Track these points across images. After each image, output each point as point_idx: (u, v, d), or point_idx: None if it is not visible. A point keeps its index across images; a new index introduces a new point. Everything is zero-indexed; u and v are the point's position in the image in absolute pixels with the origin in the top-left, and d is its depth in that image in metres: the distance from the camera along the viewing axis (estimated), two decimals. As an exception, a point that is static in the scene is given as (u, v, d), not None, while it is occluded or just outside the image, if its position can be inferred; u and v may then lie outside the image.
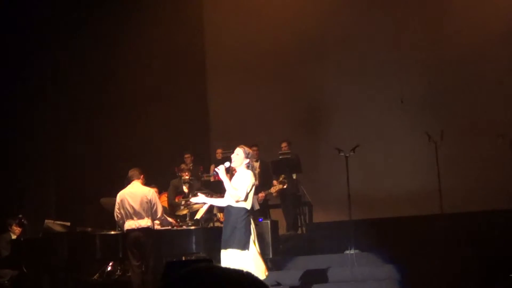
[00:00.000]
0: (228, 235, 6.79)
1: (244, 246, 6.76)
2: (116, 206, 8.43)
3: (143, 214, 8.32)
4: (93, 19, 11.89)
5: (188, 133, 12.54)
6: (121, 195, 8.43)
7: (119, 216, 8.42)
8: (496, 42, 11.93)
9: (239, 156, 6.94)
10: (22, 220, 9.52)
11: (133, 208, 8.31)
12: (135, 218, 8.32)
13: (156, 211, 8.40)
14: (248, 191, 6.85)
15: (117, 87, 12.06)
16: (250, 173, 6.94)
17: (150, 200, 8.36)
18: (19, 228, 9.49)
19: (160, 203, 8.71)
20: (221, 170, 6.86)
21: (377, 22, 12.89)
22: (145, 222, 8.32)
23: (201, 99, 14.02)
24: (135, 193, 8.40)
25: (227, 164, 6.95)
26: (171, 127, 12.19)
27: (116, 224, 9.01)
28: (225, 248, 6.79)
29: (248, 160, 6.96)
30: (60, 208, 11.07)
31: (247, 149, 7.06)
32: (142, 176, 8.59)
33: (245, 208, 6.86)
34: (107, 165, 11.40)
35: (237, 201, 6.84)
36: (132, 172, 8.55)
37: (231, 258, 6.68)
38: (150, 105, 12.33)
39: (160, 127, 12.04)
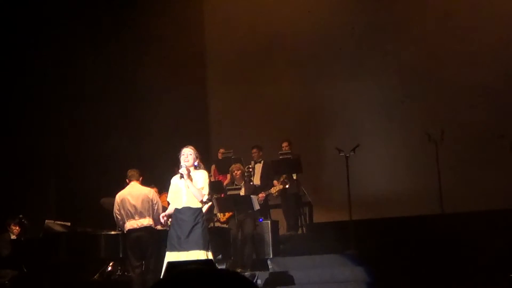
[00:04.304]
0: (188, 235, 6.87)
1: (209, 247, 6.97)
2: (116, 207, 8.43)
3: (145, 213, 8.32)
4: (92, 20, 11.88)
5: (188, 133, 12.53)
6: (121, 195, 8.43)
7: (119, 217, 8.42)
8: (497, 42, 11.92)
9: (192, 156, 7.08)
10: (22, 220, 9.51)
11: (134, 207, 8.31)
12: (136, 218, 8.31)
13: (157, 209, 8.40)
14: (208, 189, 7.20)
15: (117, 87, 12.06)
16: (206, 172, 7.26)
17: (151, 199, 8.37)
18: (18, 228, 9.48)
19: (161, 202, 8.71)
20: (185, 172, 6.94)
21: (377, 22, 12.89)
22: (147, 221, 8.33)
23: (201, 99, 14.02)
24: (136, 192, 8.40)
25: (183, 169, 7.01)
26: (171, 127, 12.19)
27: (116, 224, 9.01)
28: (188, 249, 6.85)
29: (197, 160, 7.16)
30: (60, 208, 11.07)
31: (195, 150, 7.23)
32: (141, 178, 8.60)
33: (201, 208, 7.09)
34: (107, 165, 11.39)
35: (202, 201, 7.04)
36: (132, 173, 8.56)
37: (195, 259, 6.74)
38: (150, 105, 12.33)
39: (160, 127, 12.04)
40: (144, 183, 8.74)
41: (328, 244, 9.65)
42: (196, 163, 7.18)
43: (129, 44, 12.21)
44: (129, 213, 8.32)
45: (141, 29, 12.43)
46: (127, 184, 8.56)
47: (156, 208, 8.40)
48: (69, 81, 11.54)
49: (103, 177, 11.12)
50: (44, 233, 9.17)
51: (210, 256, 6.98)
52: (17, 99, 11.04)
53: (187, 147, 7.21)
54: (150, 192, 8.47)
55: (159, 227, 8.94)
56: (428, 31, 12.53)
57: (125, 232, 8.45)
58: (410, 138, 11.97)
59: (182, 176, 7.00)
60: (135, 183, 8.49)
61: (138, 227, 8.30)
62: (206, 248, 6.94)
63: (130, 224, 8.34)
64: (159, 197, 9.21)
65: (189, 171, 7.06)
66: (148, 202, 8.35)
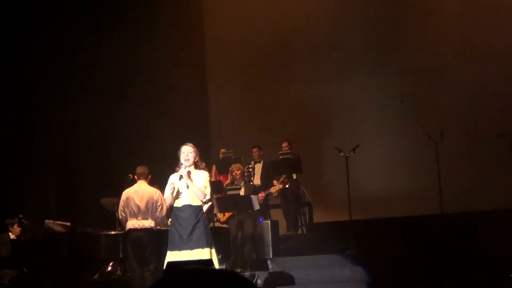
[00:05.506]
0: (190, 234, 6.87)
1: (212, 243, 6.97)
2: (121, 204, 8.36)
3: (148, 214, 8.28)
4: (91, 19, 11.88)
5: (188, 133, 12.53)
6: (127, 193, 8.38)
7: (123, 214, 8.36)
8: (496, 42, 11.92)
9: (192, 154, 7.05)
10: (22, 220, 9.52)
11: (138, 207, 8.26)
12: (139, 218, 8.27)
13: (161, 210, 8.34)
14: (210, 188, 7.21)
15: (117, 87, 12.06)
16: (207, 173, 7.21)
17: (156, 201, 8.31)
18: (18, 228, 9.49)
19: (165, 204, 8.67)
20: (185, 173, 6.94)
21: (378, 22, 12.88)
22: (149, 223, 8.29)
23: (201, 99, 14.02)
24: (142, 192, 8.34)
25: (183, 170, 7.01)
26: (171, 127, 12.19)
27: (116, 224, 9.00)
28: (192, 248, 6.84)
29: (197, 158, 7.12)
30: (60, 208, 11.07)
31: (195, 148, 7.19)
32: (149, 176, 8.54)
33: (201, 206, 7.08)
34: (107, 165, 11.40)
35: (203, 200, 7.04)
36: (141, 170, 8.46)
37: (199, 257, 6.73)
38: (150, 105, 12.33)
39: (160, 127, 12.04)
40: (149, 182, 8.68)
41: (328, 244, 9.65)
42: (196, 161, 7.13)
43: (128, 44, 12.20)
44: (132, 212, 8.28)
45: (141, 28, 12.42)
46: (135, 181, 8.52)
47: (160, 209, 8.34)
48: (69, 81, 11.54)
49: (103, 177, 11.13)
50: (44, 233, 9.17)
51: (214, 253, 6.96)
52: (17, 98, 11.05)
53: (186, 145, 7.11)
54: (156, 193, 8.36)
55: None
56: (429, 31, 12.52)
57: (126, 230, 8.42)
58: (410, 138, 11.96)
59: (181, 177, 6.95)
60: (143, 182, 8.43)
61: (139, 228, 8.28)
62: (209, 246, 6.91)
63: (131, 224, 8.30)
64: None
65: (189, 173, 7.01)
66: (153, 204, 8.30)
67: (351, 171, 9.80)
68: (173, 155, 7.29)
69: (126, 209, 8.32)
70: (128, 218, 8.32)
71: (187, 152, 7.02)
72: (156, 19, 12.62)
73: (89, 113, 11.64)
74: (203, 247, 6.86)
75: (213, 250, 6.96)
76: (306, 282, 8.74)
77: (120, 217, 8.48)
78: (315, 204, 11.61)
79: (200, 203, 7.03)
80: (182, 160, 7.00)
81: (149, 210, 8.29)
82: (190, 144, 7.13)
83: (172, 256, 6.89)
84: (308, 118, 13.13)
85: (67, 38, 11.50)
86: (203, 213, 7.10)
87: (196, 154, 7.10)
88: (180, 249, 6.87)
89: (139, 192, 8.35)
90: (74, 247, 8.85)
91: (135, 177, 8.51)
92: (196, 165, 7.11)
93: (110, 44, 11.92)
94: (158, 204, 8.30)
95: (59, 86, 11.40)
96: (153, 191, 8.39)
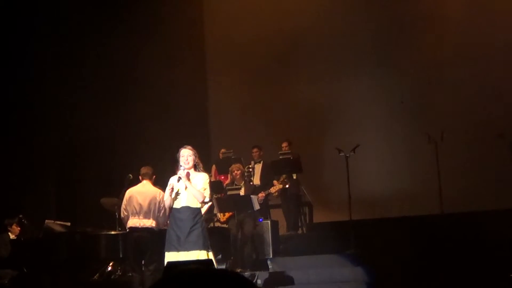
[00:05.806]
0: (188, 235, 6.88)
1: (209, 246, 6.99)
2: (123, 203, 8.35)
3: (149, 214, 8.27)
4: (91, 19, 11.88)
5: (188, 133, 12.54)
6: (130, 192, 8.38)
7: (125, 213, 8.36)
8: (497, 42, 11.92)
9: (192, 158, 7.07)
10: (22, 220, 9.52)
11: (140, 206, 8.26)
12: (141, 217, 8.26)
13: (164, 212, 8.32)
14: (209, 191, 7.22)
15: (117, 87, 12.06)
16: (207, 175, 7.24)
17: (159, 202, 8.31)
18: (18, 228, 9.49)
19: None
20: (184, 175, 6.94)
21: (377, 21, 12.89)
22: (150, 223, 8.28)
23: (201, 99, 14.02)
24: (146, 192, 8.34)
25: (181, 172, 7.01)
26: (171, 127, 12.19)
27: (116, 224, 8.99)
28: (188, 249, 6.84)
29: (196, 160, 7.13)
30: (60, 208, 11.07)
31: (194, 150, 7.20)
32: (154, 176, 8.54)
33: (200, 208, 7.10)
34: (107, 165, 11.39)
35: (202, 202, 7.05)
36: (146, 171, 8.47)
37: (196, 258, 6.75)
38: (149, 105, 12.33)
39: (160, 127, 12.04)
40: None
41: (328, 244, 9.65)
42: (195, 163, 7.14)
43: (128, 43, 12.20)
44: (134, 210, 8.28)
45: (141, 27, 12.42)
46: (135, 182, 8.52)
47: (163, 211, 8.32)
48: (69, 81, 11.54)
49: (103, 177, 11.12)
50: (44, 233, 9.17)
51: (211, 255, 6.97)
52: (17, 98, 11.05)
53: (185, 148, 7.13)
54: (159, 194, 8.33)
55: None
56: (429, 32, 12.52)
57: (126, 229, 8.42)
58: (410, 138, 11.97)
59: (179, 179, 6.96)
60: (147, 182, 8.43)
61: (140, 227, 8.27)
62: (206, 248, 6.92)
63: (132, 222, 8.29)
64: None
65: (188, 174, 7.01)
66: (155, 204, 8.30)
67: (351, 171, 9.80)
68: (173, 155, 7.29)
69: (128, 207, 8.32)
70: (130, 216, 8.31)
71: (186, 155, 7.04)
72: (156, 19, 12.62)
73: (89, 113, 11.63)
74: (200, 249, 6.87)
75: (210, 253, 6.97)
76: (305, 282, 8.74)
77: (122, 215, 8.48)
78: (315, 204, 11.60)
79: (198, 205, 7.04)
80: (181, 163, 7.02)
81: (151, 210, 8.28)
82: (189, 147, 7.14)
83: (169, 256, 6.90)
84: (308, 118, 13.14)
85: (67, 38, 11.50)
86: (201, 215, 7.10)
87: (196, 156, 7.11)
88: (177, 250, 6.88)
89: (142, 191, 8.36)
90: (74, 247, 8.84)
91: (140, 177, 8.51)
92: (196, 167, 7.12)
93: (110, 44, 11.91)
94: (162, 205, 8.30)
95: (58, 86, 11.39)
96: (157, 192, 8.38)
